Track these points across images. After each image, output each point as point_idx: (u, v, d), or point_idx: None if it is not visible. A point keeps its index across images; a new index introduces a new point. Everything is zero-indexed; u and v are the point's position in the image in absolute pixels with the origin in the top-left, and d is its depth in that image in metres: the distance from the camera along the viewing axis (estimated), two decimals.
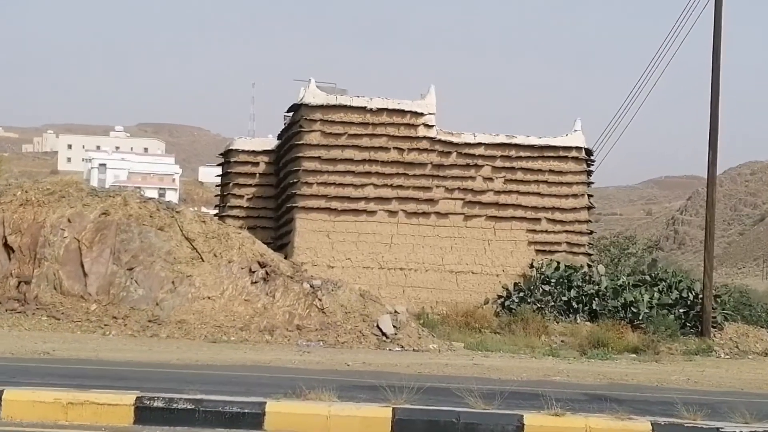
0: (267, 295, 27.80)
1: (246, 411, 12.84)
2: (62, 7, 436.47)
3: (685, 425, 13.21)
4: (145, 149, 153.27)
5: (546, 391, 16.00)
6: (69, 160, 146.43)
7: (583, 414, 13.56)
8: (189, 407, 12.82)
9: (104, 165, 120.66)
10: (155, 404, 12.87)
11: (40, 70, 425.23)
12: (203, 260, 28.36)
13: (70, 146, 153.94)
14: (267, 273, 28.21)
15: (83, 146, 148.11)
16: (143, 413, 12.78)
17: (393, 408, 13.04)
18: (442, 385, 16.88)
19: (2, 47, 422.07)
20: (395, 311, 28.24)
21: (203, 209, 54.29)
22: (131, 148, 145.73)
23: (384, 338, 26.74)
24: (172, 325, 26.48)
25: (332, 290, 28.18)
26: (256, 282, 28.14)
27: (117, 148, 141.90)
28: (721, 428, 13.05)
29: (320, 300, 27.66)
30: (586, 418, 13.21)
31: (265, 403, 13.00)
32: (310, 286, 28.19)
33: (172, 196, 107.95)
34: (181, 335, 25.87)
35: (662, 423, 13.21)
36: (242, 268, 28.30)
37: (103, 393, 13.15)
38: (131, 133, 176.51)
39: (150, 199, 30.92)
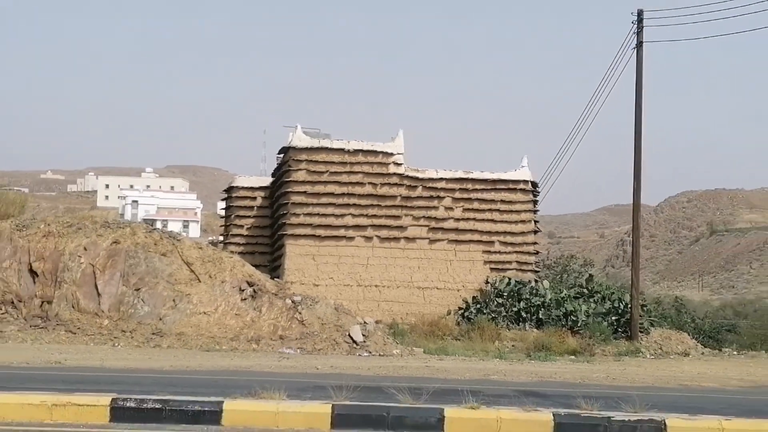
0: (254, 310, 27.36)
1: (206, 409, 12.70)
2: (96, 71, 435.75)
3: (582, 415, 13.16)
4: (172, 187, 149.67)
5: (482, 388, 15.91)
6: (107, 197, 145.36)
7: (496, 407, 13.46)
8: (157, 407, 12.68)
9: (136, 201, 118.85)
10: (128, 404, 12.69)
11: (84, 119, 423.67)
12: (200, 281, 27.93)
13: (107, 186, 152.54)
14: (254, 291, 27.76)
15: (119, 185, 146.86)
16: (118, 413, 12.58)
17: (333, 405, 12.97)
18: (388, 384, 16.38)
19: (60, 101, 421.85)
20: (364, 322, 27.85)
21: (220, 238, 53.21)
22: (160, 187, 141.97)
23: (355, 345, 26.36)
24: (172, 337, 26.11)
25: (311, 305, 27.69)
26: (245, 299, 27.67)
27: (147, 186, 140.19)
28: (612, 417, 13.01)
29: (300, 313, 27.23)
30: (498, 411, 13.13)
31: (223, 402, 12.87)
32: (292, 302, 27.71)
33: (194, 228, 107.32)
34: (180, 345, 25.51)
35: (562, 413, 13.17)
36: (233, 287, 27.82)
37: (84, 395, 12.97)
38: (160, 174, 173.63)
39: (155, 229, 30.57)
